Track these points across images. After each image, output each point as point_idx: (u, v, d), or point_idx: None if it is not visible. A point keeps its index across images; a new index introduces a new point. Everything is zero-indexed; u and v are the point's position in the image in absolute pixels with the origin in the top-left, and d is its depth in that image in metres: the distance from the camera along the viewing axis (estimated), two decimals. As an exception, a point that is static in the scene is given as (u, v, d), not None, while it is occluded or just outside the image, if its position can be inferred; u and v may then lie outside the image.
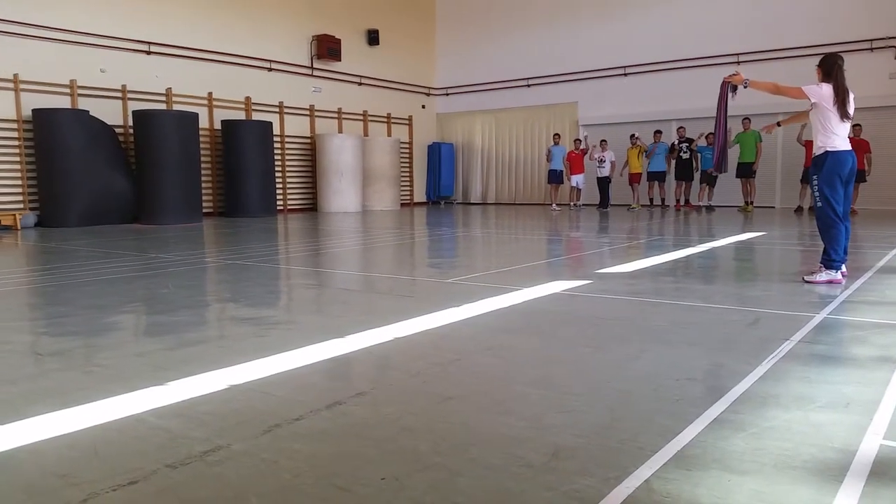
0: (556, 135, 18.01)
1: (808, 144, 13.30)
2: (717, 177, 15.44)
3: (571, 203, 17.65)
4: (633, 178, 16.85)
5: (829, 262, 5.35)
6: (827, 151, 5.31)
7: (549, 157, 17.61)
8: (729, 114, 6.23)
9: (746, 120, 14.68)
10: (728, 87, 5.91)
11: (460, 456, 2.15)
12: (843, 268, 5.42)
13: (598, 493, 1.88)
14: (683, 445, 2.19)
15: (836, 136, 5.29)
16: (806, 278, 5.45)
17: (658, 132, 16.57)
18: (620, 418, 2.47)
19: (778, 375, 2.95)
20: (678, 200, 16.51)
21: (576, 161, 17.12)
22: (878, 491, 1.89)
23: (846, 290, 5.05)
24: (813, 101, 5.31)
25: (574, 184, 17.32)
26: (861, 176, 12.77)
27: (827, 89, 5.28)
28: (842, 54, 5.49)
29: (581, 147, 17.30)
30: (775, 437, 2.26)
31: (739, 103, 6.09)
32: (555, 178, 17.47)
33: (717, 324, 4.06)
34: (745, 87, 5.67)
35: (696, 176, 16.00)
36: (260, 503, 1.86)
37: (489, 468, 2.06)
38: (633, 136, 16.80)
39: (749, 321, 4.10)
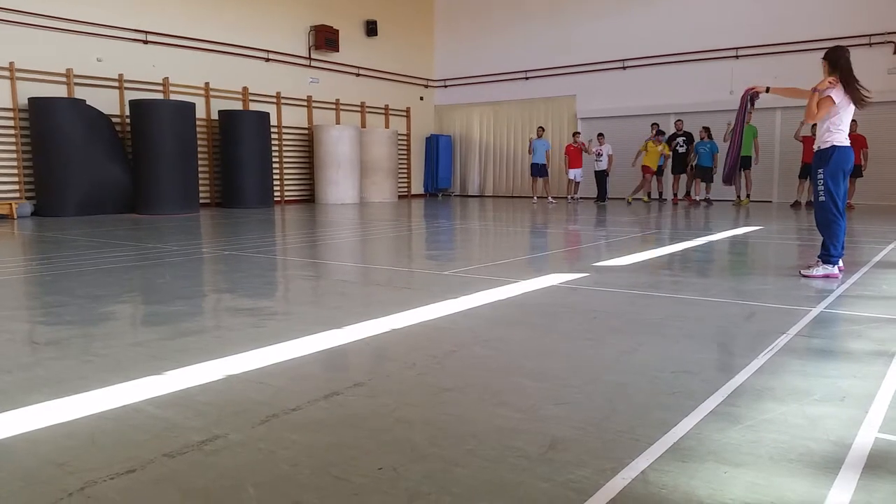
0: (540, 128, 17.88)
1: (806, 140, 13.32)
2: (714, 172, 15.43)
3: (569, 196, 17.63)
4: (647, 170, 16.35)
5: (827, 257, 5.36)
6: (834, 146, 5.29)
7: (530, 150, 17.52)
8: (727, 108, 6.28)
9: (748, 113, 14.61)
10: (747, 98, 5.92)
11: (457, 447, 2.15)
12: (840, 262, 5.44)
13: (594, 484, 1.89)
14: (679, 437, 2.20)
15: (842, 132, 5.29)
16: (803, 272, 5.46)
17: (655, 125, 16.55)
18: (617, 410, 2.47)
19: (774, 369, 2.96)
20: (675, 194, 16.51)
21: (574, 154, 17.06)
22: (873, 484, 1.90)
23: (843, 285, 5.06)
24: (836, 100, 5.27)
25: (572, 177, 17.28)
26: (857, 171, 12.78)
27: (837, 93, 5.24)
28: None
29: (579, 140, 17.23)
30: (771, 429, 2.27)
31: (740, 97, 6.10)
32: (537, 171, 17.38)
33: (714, 317, 4.07)
34: (767, 92, 5.77)
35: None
36: (257, 493, 1.86)
37: (486, 459, 2.06)
38: (655, 125, 16.51)
39: (746, 315, 4.11)
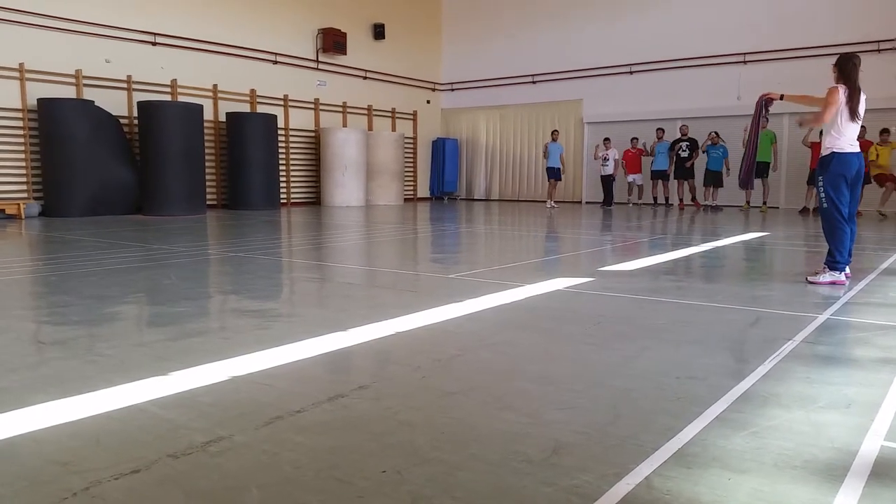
0: (555, 131, 17.84)
1: (814, 146, 13.24)
2: (721, 177, 15.38)
3: (628, 200, 17.41)
4: (886, 178, 13.36)
5: (833, 264, 5.34)
6: (833, 153, 5.31)
7: (545, 154, 17.48)
8: (744, 113, 6.30)
9: (763, 119, 14.51)
10: (762, 104, 5.93)
11: (460, 450, 2.15)
12: (847, 269, 5.42)
13: (597, 489, 1.88)
14: (684, 443, 2.19)
15: (844, 138, 5.28)
16: (809, 279, 5.45)
17: (660, 130, 16.50)
18: (621, 415, 2.47)
19: (780, 375, 2.95)
20: (681, 199, 16.43)
21: (632, 160, 16.88)
22: (878, 492, 1.89)
23: (849, 292, 5.04)
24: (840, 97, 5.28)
25: (631, 180, 17.08)
26: (866, 177, 12.67)
27: (843, 90, 5.26)
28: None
29: (637, 147, 17.00)
30: (776, 436, 2.26)
31: (753, 102, 6.10)
32: (553, 175, 17.34)
33: (719, 323, 4.06)
34: (782, 99, 5.74)
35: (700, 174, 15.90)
36: (261, 494, 1.87)
37: (489, 463, 2.06)
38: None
39: (751, 321, 4.10)
